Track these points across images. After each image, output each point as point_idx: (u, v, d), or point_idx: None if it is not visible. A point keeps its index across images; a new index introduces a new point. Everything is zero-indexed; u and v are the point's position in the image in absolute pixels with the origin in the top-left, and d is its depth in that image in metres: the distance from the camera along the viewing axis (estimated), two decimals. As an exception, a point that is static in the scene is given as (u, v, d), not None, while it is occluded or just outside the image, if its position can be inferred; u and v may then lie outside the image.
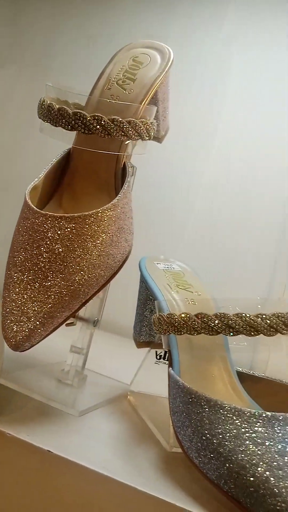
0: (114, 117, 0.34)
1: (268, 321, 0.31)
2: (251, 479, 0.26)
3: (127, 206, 0.36)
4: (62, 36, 0.80)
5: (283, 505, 0.25)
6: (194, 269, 0.45)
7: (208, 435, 0.28)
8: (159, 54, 0.42)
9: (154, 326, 0.35)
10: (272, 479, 0.26)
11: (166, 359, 0.45)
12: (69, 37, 0.80)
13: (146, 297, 0.42)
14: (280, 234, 0.68)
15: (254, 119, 0.72)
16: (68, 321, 0.43)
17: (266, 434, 0.27)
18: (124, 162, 0.39)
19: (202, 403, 0.29)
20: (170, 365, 0.35)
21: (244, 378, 0.37)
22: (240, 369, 0.37)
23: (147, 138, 0.36)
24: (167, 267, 0.44)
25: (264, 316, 0.31)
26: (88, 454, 0.32)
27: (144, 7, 0.79)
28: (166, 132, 0.46)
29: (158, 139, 0.46)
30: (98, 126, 0.33)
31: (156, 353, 0.45)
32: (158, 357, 0.45)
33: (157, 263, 0.44)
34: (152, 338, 0.44)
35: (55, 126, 0.34)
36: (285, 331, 0.31)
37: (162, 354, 0.45)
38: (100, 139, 0.35)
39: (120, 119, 0.34)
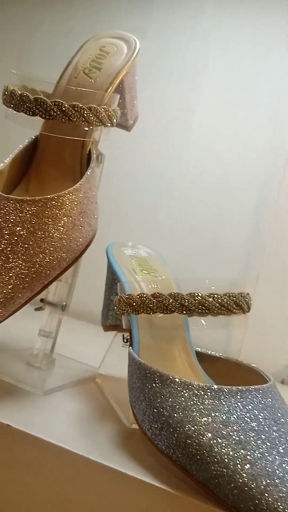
0: (75, 103, 0.35)
1: (220, 301, 0.32)
2: (197, 447, 0.27)
3: (90, 192, 0.37)
4: (41, 28, 0.81)
5: (224, 470, 0.26)
6: (161, 255, 0.46)
7: (159, 408, 0.30)
8: (126, 44, 0.43)
9: (115, 307, 0.36)
10: (215, 447, 0.27)
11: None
12: (47, 29, 0.81)
13: (112, 281, 0.43)
14: (254, 223, 0.70)
15: (231, 112, 0.73)
16: (37, 306, 0.44)
17: (212, 406, 0.28)
18: (90, 149, 0.40)
19: (155, 378, 0.31)
20: (131, 344, 0.36)
21: (203, 358, 0.38)
22: (199, 349, 0.39)
23: (109, 124, 0.37)
24: (134, 253, 0.45)
25: (216, 295, 0.32)
26: (48, 429, 0.33)
27: (124, 0, 0.79)
28: (135, 121, 0.48)
29: (126, 127, 0.47)
30: (58, 112, 0.34)
31: (123, 336, 0.46)
32: (125, 340, 0.46)
33: (125, 249, 0.45)
34: (119, 321, 0.45)
35: (17, 111, 0.35)
36: (236, 311, 0.33)
37: (129, 337, 0.47)
38: (66, 125, 0.36)
39: (81, 105, 0.35)
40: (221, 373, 0.37)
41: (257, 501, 0.25)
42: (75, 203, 0.36)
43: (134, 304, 0.34)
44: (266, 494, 0.25)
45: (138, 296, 0.33)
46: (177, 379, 0.30)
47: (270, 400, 0.29)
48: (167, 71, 0.76)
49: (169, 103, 0.75)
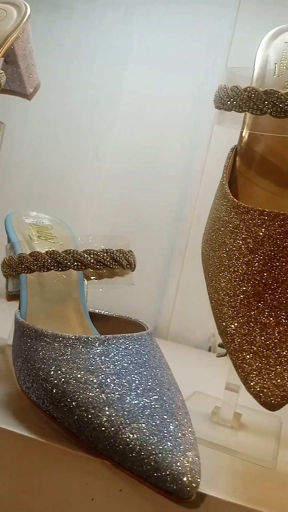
0: None
1: (96, 257, 0.33)
2: (61, 395, 0.28)
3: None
4: None
5: (84, 414, 0.27)
6: (66, 224, 0.47)
7: (31, 361, 0.30)
8: (16, 9, 0.42)
9: (2, 265, 0.36)
10: (77, 393, 0.28)
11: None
12: None
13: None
14: (180, 198, 0.71)
15: (156, 87, 0.73)
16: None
17: (79, 355, 0.29)
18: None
19: (31, 334, 0.31)
20: (19, 307, 0.37)
21: (97, 318, 0.39)
22: (92, 310, 0.39)
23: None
24: (36, 221, 0.45)
25: (92, 251, 0.33)
26: None
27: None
28: (36, 89, 0.47)
29: (26, 96, 0.47)
30: None
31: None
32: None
33: (25, 218, 0.45)
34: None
35: None
36: (116, 266, 0.34)
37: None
38: None
39: None
40: (113, 330, 0.38)
41: (112, 440, 0.26)
42: None
43: (13, 264, 0.34)
44: (120, 433, 0.26)
45: (17, 257, 0.34)
46: (48, 333, 0.30)
47: (137, 346, 0.30)
48: (93, 47, 0.76)
49: (95, 78, 0.75)
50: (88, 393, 0.27)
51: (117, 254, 0.34)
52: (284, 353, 0.24)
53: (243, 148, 0.33)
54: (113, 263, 0.33)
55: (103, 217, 0.73)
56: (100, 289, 0.40)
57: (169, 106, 0.72)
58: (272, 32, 0.35)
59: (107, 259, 0.33)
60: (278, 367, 0.24)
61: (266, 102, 0.26)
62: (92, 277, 0.39)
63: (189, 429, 0.27)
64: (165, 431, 0.26)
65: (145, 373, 0.29)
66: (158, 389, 0.28)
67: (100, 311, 0.39)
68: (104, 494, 0.28)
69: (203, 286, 0.32)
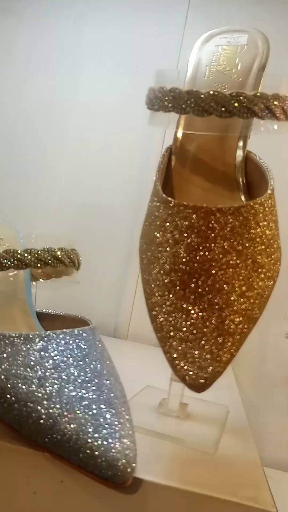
0: None
1: (37, 256, 0.33)
2: (1, 392, 0.28)
3: None
4: None
5: (24, 409, 0.28)
6: (13, 225, 0.47)
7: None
8: None
9: None
10: (16, 388, 0.28)
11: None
12: None
13: None
14: (136, 202, 0.72)
15: (109, 93, 0.74)
16: None
17: (16, 352, 0.30)
18: None
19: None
20: None
21: (44, 318, 0.40)
22: (39, 310, 0.40)
23: None
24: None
25: (32, 250, 0.33)
26: None
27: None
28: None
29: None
30: None
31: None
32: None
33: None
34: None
35: None
36: (58, 264, 0.34)
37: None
38: None
39: None
40: (60, 328, 0.38)
41: (50, 432, 0.27)
42: None
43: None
44: (58, 424, 0.27)
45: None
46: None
47: (77, 341, 0.31)
48: (45, 52, 0.76)
49: (49, 83, 0.76)
50: (27, 388, 0.28)
51: (59, 252, 0.34)
52: (207, 338, 0.26)
53: (177, 148, 0.34)
54: (55, 261, 0.34)
55: (62, 218, 0.74)
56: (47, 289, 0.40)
57: (123, 109, 0.74)
58: (204, 36, 0.36)
59: (49, 258, 0.34)
60: (201, 351, 0.26)
61: (188, 102, 0.27)
62: (40, 279, 0.40)
63: (126, 417, 0.28)
64: (101, 420, 0.27)
65: (84, 366, 0.30)
66: (96, 381, 0.29)
67: (46, 310, 0.40)
68: (46, 487, 0.29)
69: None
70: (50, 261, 0.34)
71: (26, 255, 0.33)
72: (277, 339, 0.74)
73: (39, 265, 0.33)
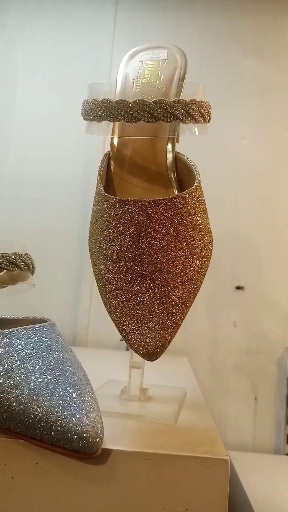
0: None
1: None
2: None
3: None
4: None
5: None
6: None
7: None
8: None
9: None
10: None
11: None
12: None
13: None
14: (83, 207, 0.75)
15: (47, 110, 0.78)
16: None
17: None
18: None
19: None
20: None
21: (6, 323, 0.42)
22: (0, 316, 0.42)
23: None
24: None
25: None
26: None
27: None
28: None
29: None
30: None
31: None
32: None
33: None
34: None
35: None
36: (14, 268, 0.37)
37: None
38: None
39: None
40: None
41: (21, 417, 0.29)
42: None
43: None
44: (28, 409, 0.29)
45: None
46: None
47: (39, 335, 0.34)
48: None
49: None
50: (-4, 381, 0.30)
51: (13, 257, 0.37)
52: (154, 312, 0.29)
53: (114, 153, 0.38)
54: (10, 265, 0.37)
55: (12, 224, 0.75)
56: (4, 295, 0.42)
57: (61, 124, 0.77)
58: (129, 53, 0.41)
59: (4, 262, 0.36)
60: (150, 323, 0.29)
61: (119, 111, 0.31)
62: (-4, 285, 0.42)
63: (91, 396, 0.31)
64: (68, 399, 0.30)
65: (47, 356, 0.32)
66: (60, 367, 0.32)
67: (6, 315, 0.42)
68: (22, 470, 0.31)
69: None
70: (5, 266, 0.36)
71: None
72: (226, 328, 0.79)
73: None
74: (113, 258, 0.31)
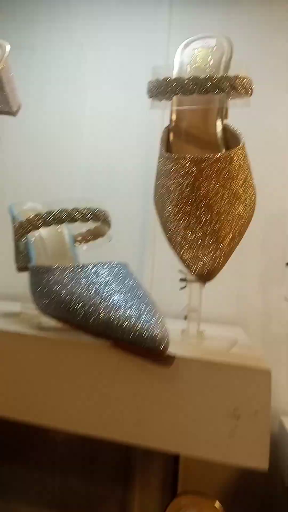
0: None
1: (82, 212, 0.46)
2: (69, 303, 0.40)
3: None
4: None
5: (78, 307, 0.39)
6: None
7: (47, 289, 0.43)
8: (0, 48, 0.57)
9: (15, 234, 0.49)
10: (75, 300, 0.40)
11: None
12: None
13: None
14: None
15: (112, 107, 0.88)
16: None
17: (78, 277, 0.42)
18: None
19: (43, 271, 0.44)
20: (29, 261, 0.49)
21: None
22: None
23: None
24: (32, 208, 0.58)
25: (78, 209, 0.46)
26: None
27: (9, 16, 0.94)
28: (19, 108, 0.61)
29: (12, 113, 0.60)
30: None
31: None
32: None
33: (23, 206, 0.58)
34: (27, 263, 0.58)
35: None
36: (96, 220, 0.47)
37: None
38: None
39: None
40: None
41: (107, 323, 0.38)
42: None
43: (25, 225, 0.47)
44: (113, 316, 0.38)
45: (25, 220, 0.47)
46: (55, 267, 0.43)
47: (119, 268, 0.43)
48: (56, 78, 0.90)
49: (59, 105, 0.89)
50: (87, 297, 0.40)
51: (96, 211, 0.47)
52: (207, 244, 0.38)
53: (173, 126, 0.47)
54: (94, 217, 0.47)
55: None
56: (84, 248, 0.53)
57: (125, 117, 0.87)
58: (183, 43, 0.49)
59: (89, 214, 0.46)
60: (205, 252, 0.38)
61: (176, 85, 0.40)
62: (78, 242, 0.53)
63: (160, 314, 0.40)
64: (143, 311, 0.39)
65: (125, 282, 0.42)
66: (135, 290, 0.41)
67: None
68: (107, 368, 0.40)
69: (176, 266, 0.44)
70: (91, 216, 0.46)
71: (74, 212, 0.45)
72: (278, 303, 0.85)
73: (84, 220, 0.46)
74: (174, 203, 0.40)
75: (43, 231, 0.52)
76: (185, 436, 0.37)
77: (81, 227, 0.55)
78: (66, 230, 0.54)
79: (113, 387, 0.40)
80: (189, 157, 0.39)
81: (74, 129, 0.89)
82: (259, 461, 0.35)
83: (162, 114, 0.85)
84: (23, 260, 0.58)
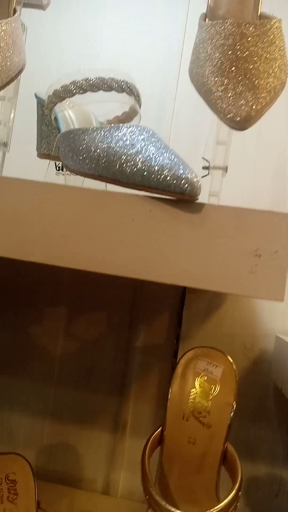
0: None
1: (116, 82, 0.48)
2: (104, 158, 0.43)
3: (17, 30, 0.51)
4: None
5: (115, 159, 0.42)
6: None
7: (81, 147, 0.45)
8: None
9: (46, 108, 0.50)
10: (111, 154, 0.42)
11: (63, 171, 0.61)
12: None
13: (42, 112, 0.57)
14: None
15: (133, 34, 0.89)
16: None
17: (112, 133, 0.44)
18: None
19: (78, 131, 0.46)
20: (59, 131, 0.51)
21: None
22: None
23: None
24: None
25: (114, 78, 0.48)
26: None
27: None
28: (48, 3, 0.62)
29: (42, 7, 0.61)
30: None
31: (55, 164, 0.60)
32: (57, 168, 0.60)
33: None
34: (50, 151, 0.59)
35: None
36: (130, 92, 0.49)
37: (60, 166, 0.61)
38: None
39: None
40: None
41: (144, 173, 0.41)
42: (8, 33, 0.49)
43: (60, 93, 0.48)
44: (150, 167, 0.41)
45: (60, 86, 0.48)
46: (89, 128, 0.45)
47: (152, 132, 0.46)
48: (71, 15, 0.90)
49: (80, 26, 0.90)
50: (124, 150, 0.42)
51: (131, 85, 0.49)
52: (244, 94, 0.41)
53: (209, 11, 0.50)
54: (129, 91, 0.49)
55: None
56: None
57: (145, 46, 0.88)
58: None
59: (125, 85, 0.48)
60: (242, 100, 0.41)
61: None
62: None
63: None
64: (177, 162, 0.42)
65: (160, 142, 0.45)
66: (169, 149, 0.44)
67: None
68: (139, 215, 0.43)
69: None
70: (126, 87, 0.48)
71: (112, 82, 0.47)
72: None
73: (119, 90, 0.48)
74: (215, 63, 0.43)
75: (71, 111, 0.53)
76: (212, 273, 0.40)
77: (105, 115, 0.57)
78: (93, 115, 0.55)
79: (145, 231, 0.42)
80: (231, 21, 0.42)
81: (91, 56, 0.89)
82: (276, 294, 0.39)
83: (181, 45, 0.87)
84: (46, 147, 0.60)
